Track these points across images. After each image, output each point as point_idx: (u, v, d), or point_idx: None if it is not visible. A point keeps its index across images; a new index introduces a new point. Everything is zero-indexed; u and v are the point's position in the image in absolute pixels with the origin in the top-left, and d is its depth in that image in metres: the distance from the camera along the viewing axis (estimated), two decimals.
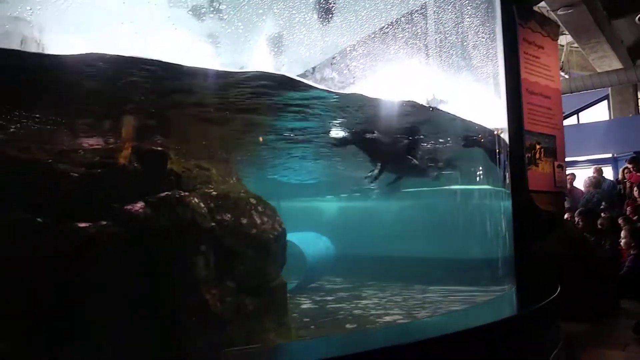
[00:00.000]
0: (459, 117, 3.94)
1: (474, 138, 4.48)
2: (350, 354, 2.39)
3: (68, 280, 2.98)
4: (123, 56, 2.73)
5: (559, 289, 3.85)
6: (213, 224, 3.58)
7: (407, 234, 7.49)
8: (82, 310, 3.01)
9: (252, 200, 3.94)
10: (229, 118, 3.78)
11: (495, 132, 4.94)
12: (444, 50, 3.69)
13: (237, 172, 4.69)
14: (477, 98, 4.28)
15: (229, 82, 3.23)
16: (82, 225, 3.06)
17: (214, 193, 3.74)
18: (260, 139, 4.42)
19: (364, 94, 3.28)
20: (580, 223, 7.94)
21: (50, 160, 3.09)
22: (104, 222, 3.11)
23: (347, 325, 4.45)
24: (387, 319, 4.59)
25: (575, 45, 15.49)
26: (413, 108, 3.65)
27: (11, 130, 3.23)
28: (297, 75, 3.25)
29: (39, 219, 2.99)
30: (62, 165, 3.10)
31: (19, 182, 3.04)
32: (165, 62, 2.86)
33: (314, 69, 3.18)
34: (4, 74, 2.67)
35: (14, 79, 2.78)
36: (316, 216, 8.75)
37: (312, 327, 4.32)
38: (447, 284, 6.15)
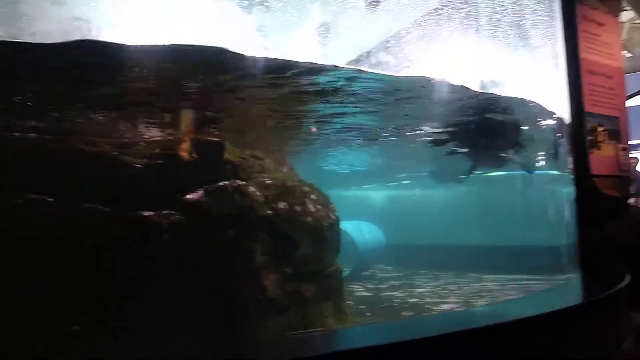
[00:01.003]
0: (525, 101, 3.81)
1: (536, 122, 4.31)
2: (410, 340, 2.36)
3: (134, 266, 3.12)
4: (182, 45, 2.78)
5: (627, 277, 3.67)
6: (269, 211, 3.64)
7: (461, 221, 7.35)
8: (147, 294, 3.14)
9: (306, 189, 3.98)
10: (281, 107, 3.81)
11: (556, 115, 4.75)
12: (501, 30, 3.56)
13: (289, 161, 4.73)
14: (536, 80, 4.12)
15: (281, 70, 3.24)
16: (146, 214, 3.19)
17: (269, 182, 3.80)
18: (313, 128, 4.43)
19: (426, 76, 3.21)
20: None
21: (115, 153, 3.23)
22: (166, 211, 3.23)
23: (403, 313, 4.43)
24: (444, 307, 4.54)
25: (638, 21, 14.57)
26: (482, 93, 3.56)
27: (78, 124, 3.38)
28: (350, 61, 3.22)
29: (106, 209, 3.14)
30: (126, 157, 3.23)
31: (87, 174, 3.19)
32: (219, 53, 2.89)
33: (368, 53, 3.15)
34: (76, 67, 2.79)
35: (84, 73, 2.90)
36: (367, 204, 8.73)
37: (368, 314, 4.33)
38: (504, 272, 5.99)
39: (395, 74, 3.17)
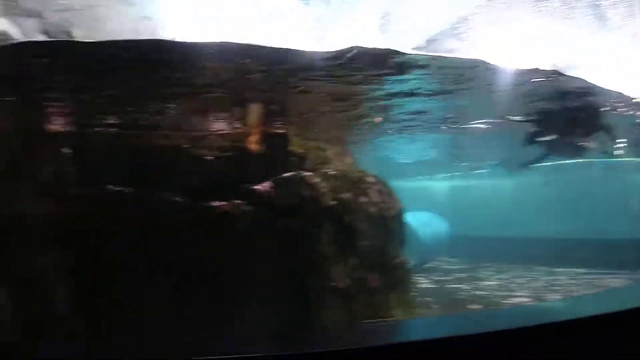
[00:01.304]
0: (603, 86, 3.59)
1: (615, 107, 4.04)
2: (480, 333, 2.29)
3: (206, 252, 3.26)
4: (243, 44, 2.84)
5: None
6: (333, 202, 3.67)
7: (529, 212, 7.07)
8: (216, 281, 3.28)
9: (370, 179, 3.97)
10: (344, 97, 3.81)
11: (636, 100, 4.43)
12: (577, 11, 3.35)
13: (352, 152, 4.74)
14: (615, 63, 3.85)
15: (340, 60, 3.23)
16: (217, 203, 3.32)
17: (333, 172, 3.83)
18: (377, 118, 4.39)
19: (485, 61, 3.10)
20: None
21: (187, 146, 3.38)
22: (236, 201, 3.35)
23: (470, 306, 4.33)
24: (513, 300, 4.39)
25: None
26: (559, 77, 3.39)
27: (155, 119, 3.56)
28: (415, 47, 3.12)
29: (179, 199, 3.30)
30: (198, 149, 3.37)
31: (162, 166, 3.36)
32: (282, 48, 2.92)
33: (434, 38, 3.05)
34: (150, 65, 2.93)
35: (159, 70, 3.05)
36: (431, 195, 8.58)
37: (435, 306, 4.28)
38: (577, 266, 5.70)
39: (463, 59, 3.07)
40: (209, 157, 3.31)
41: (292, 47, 3.02)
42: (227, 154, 3.39)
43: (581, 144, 4.36)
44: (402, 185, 5.17)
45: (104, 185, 3.25)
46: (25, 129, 3.18)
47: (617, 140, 4.75)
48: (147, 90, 3.36)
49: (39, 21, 2.56)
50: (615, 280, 4.45)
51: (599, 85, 3.75)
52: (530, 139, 4.37)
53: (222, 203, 3.26)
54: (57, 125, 3.30)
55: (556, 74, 3.39)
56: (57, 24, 2.61)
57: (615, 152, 4.70)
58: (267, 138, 3.54)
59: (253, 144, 3.44)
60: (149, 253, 3.13)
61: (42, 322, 3.03)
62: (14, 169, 3.00)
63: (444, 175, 9.05)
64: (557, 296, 4.60)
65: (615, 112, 4.24)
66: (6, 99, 3.13)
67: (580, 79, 3.55)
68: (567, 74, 3.52)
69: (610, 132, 4.02)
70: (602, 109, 3.94)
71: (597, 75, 3.68)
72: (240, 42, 2.94)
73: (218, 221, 3.25)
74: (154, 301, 3.17)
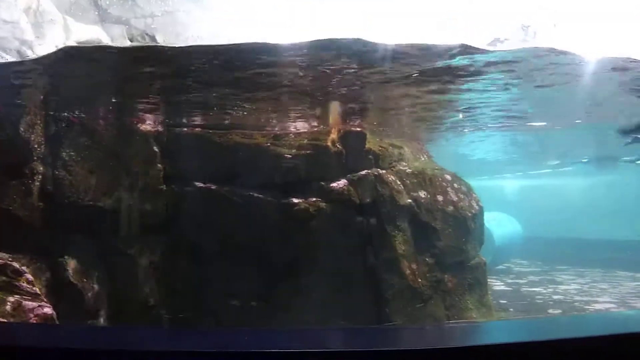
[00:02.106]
0: None
1: None
2: (566, 338, 2.19)
3: (286, 248, 3.35)
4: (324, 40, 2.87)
5: None
6: (409, 200, 3.66)
7: (608, 214, 6.70)
8: (296, 273, 3.36)
9: (447, 177, 3.92)
10: (421, 94, 3.76)
11: None
12: None
13: (427, 149, 4.69)
14: None
15: (418, 55, 3.18)
16: (296, 200, 3.40)
17: (409, 170, 3.81)
18: (461, 115, 4.29)
19: (579, 54, 2.95)
20: None
21: (268, 144, 3.48)
22: (314, 198, 3.41)
23: (550, 311, 4.17)
24: (597, 306, 4.18)
25: None
26: None
27: (236, 117, 3.68)
28: (493, 42, 3.02)
29: (260, 195, 3.41)
30: (278, 148, 3.46)
31: (245, 164, 3.48)
32: (360, 41, 2.91)
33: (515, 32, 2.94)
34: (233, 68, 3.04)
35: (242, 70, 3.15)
36: (504, 195, 8.31)
37: (511, 309, 4.15)
38: None
39: (544, 53, 2.94)
40: (288, 155, 3.39)
41: (368, 43, 3.01)
42: (305, 152, 3.46)
43: None
44: (479, 184, 5.05)
45: (190, 182, 3.42)
46: (121, 128, 3.40)
47: None
48: (230, 92, 3.49)
49: (126, 28, 2.73)
50: None
51: None
52: (623, 135, 4.09)
53: (300, 200, 3.33)
54: (148, 125, 3.49)
55: None
56: (142, 30, 2.78)
57: None
58: (344, 136, 3.57)
59: (330, 142, 3.48)
60: (232, 246, 3.26)
61: (131, 309, 3.24)
62: (110, 165, 3.22)
63: (522, 174, 8.70)
64: None
65: None
66: (103, 100, 3.37)
67: None
68: None
69: None
70: None
71: None
72: (318, 40, 2.98)
73: (296, 217, 3.33)
74: (234, 292, 3.31)
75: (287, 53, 3.06)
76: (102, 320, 3.08)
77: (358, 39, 2.98)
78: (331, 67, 3.32)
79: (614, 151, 6.49)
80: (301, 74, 3.35)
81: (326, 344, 2.08)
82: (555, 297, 4.52)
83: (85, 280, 2.95)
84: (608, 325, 3.13)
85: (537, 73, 3.34)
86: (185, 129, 3.59)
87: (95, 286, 2.99)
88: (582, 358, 2.15)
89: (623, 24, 3.14)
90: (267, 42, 2.96)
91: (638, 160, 6.64)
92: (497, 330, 2.99)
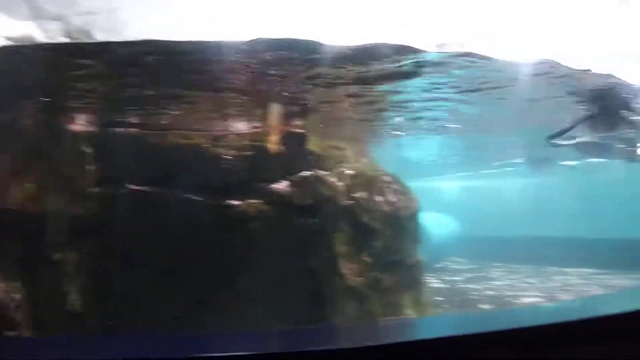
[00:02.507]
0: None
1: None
2: (495, 331, 2.29)
3: (224, 250, 3.30)
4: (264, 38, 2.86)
5: None
6: (350, 201, 3.71)
7: (540, 212, 7.08)
8: (232, 278, 3.32)
9: (387, 179, 4.00)
10: (363, 96, 3.83)
11: None
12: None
13: (369, 151, 4.77)
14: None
15: (363, 56, 3.23)
16: (235, 202, 3.36)
17: (350, 172, 3.86)
18: (397, 118, 4.41)
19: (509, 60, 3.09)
20: None
21: (207, 145, 3.42)
22: (254, 200, 3.39)
23: (481, 305, 4.36)
24: (525, 300, 4.42)
25: None
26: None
27: (174, 118, 3.61)
28: (437, 45, 3.11)
29: (199, 198, 3.34)
30: (218, 149, 3.41)
31: (182, 166, 3.41)
32: (301, 40, 2.92)
33: (457, 37, 3.03)
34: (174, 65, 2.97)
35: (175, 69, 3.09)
36: (442, 195, 8.59)
37: (447, 305, 4.31)
38: (591, 267, 5.71)
39: (485, 58, 3.07)
40: (227, 157, 3.35)
41: (312, 43, 3.01)
42: (245, 153, 3.43)
43: (607, 142, 4.32)
44: (418, 185, 5.19)
45: (123, 184, 3.30)
46: (49, 128, 3.24)
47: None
48: (168, 91, 3.40)
49: (62, 24, 2.61)
50: (628, 281, 4.45)
51: (627, 82, 3.72)
52: (557, 137, 4.33)
53: (240, 202, 3.30)
54: (79, 125, 3.35)
55: (581, 70, 3.37)
56: (79, 27, 2.66)
57: (637, 154, 4.68)
58: (285, 137, 3.57)
59: (271, 143, 3.47)
60: (167, 250, 3.17)
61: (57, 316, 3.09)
62: (38, 167, 3.06)
63: (459, 175, 9.04)
64: (569, 296, 4.62)
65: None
66: (31, 99, 3.19)
67: (608, 74, 3.52)
68: (595, 70, 3.50)
69: (635, 128, 3.99)
70: (629, 106, 3.90)
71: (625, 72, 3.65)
72: (259, 39, 2.95)
73: (235, 219, 3.29)
74: (170, 297, 3.23)
75: (227, 52, 3.02)
76: (25, 331, 2.91)
77: (299, 39, 2.99)
78: (272, 67, 3.31)
79: (547, 153, 6.87)
80: (241, 73, 3.32)
81: (264, 346, 2.07)
82: (488, 292, 4.73)
83: (7, 289, 2.78)
84: (535, 316, 3.30)
85: (472, 78, 3.48)
86: (120, 129, 3.48)
87: (18, 295, 2.82)
88: (507, 348, 2.25)
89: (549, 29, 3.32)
90: (206, 40, 2.91)
91: (574, 162, 7.10)
92: (429, 326, 3.08)
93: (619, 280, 4.59)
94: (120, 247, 3.26)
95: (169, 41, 2.79)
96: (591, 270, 5.66)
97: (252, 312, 3.26)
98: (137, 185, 3.33)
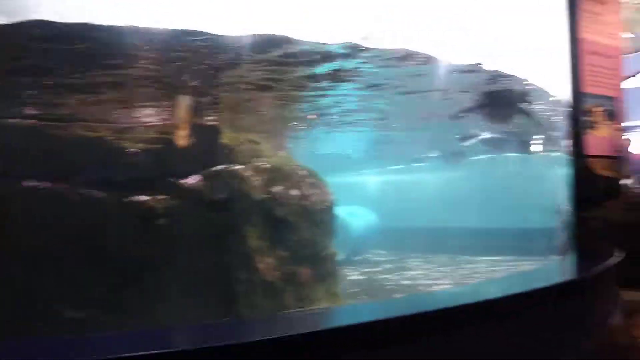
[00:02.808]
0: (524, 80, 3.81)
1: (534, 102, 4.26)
2: (400, 316, 2.35)
3: (131, 249, 3.17)
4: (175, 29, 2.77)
5: (617, 255, 3.73)
6: (265, 195, 3.68)
7: (456, 204, 7.40)
8: (142, 276, 3.20)
9: (302, 173, 4.01)
10: (279, 90, 3.81)
11: (554, 95, 4.74)
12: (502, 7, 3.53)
13: (286, 145, 4.76)
14: (535, 59, 4.11)
15: (277, 49, 3.21)
16: (142, 198, 3.23)
17: (266, 166, 3.83)
18: (313, 114, 4.43)
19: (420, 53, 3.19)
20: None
21: (112, 138, 3.25)
22: (163, 195, 3.27)
23: (396, 295, 4.50)
24: (436, 288, 4.61)
25: (638, 2, 14.46)
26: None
27: (77, 108, 3.40)
28: (350, 42, 3.15)
29: (103, 193, 3.18)
30: (123, 142, 3.26)
31: (83, 160, 3.22)
32: (212, 34, 2.85)
33: (367, 33, 3.08)
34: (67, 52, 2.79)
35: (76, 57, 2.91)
36: (360, 189, 8.75)
37: (363, 296, 4.40)
38: (498, 254, 6.06)
39: (396, 53, 3.15)
40: (134, 150, 3.20)
41: (223, 37, 2.95)
42: (154, 146, 3.30)
43: (508, 138, 4.58)
44: (335, 180, 5.26)
45: (20, 180, 3.08)
46: None
47: (537, 136, 5.07)
48: (69, 79, 3.20)
49: None
50: (532, 266, 4.75)
51: (523, 79, 3.96)
52: (464, 133, 4.55)
53: (148, 197, 3.17)
54: None
55: (484, 69, 3.55)
56: None
57: (535, 147, 5.02)
58: (197, 130, 3.47)
59: (182, 136, 3.37)
60: (68, 250, 2.99)
61: None
62: None
63: (377, 169, 9.26)
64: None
65: (535, 106, 4.50)
66: None
67: (506, 73, 3.73)
68: (494, 67, 3.70)
69: (532, 120, 4.26)
70: (521, 99, 4.16)
71: (520, 71, 3.88)
72: (169, 28, 2.85)
73: (143, 215, 3.16)
74: (75, 298, 3.06)
75: (135, 38, 2.88)
76: None
77: (209, 30, 2.91)
78: (182, 58, 3.21)
79: (459, 148, 7.20)
80: (149, 62, 3.19)
81: (173, 343, 2.00)
82: (403, 282, 4.88)
83: None
84: (440, 301, 3.41)
85: (379, 73, 3.56)
86: (14, 120, 3.22)
87: None
88: (415, 333, 2.31)
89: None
90: (113, 24, 2.75)
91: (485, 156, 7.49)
92: (341, 315, 3.13)
93: (526, 266, 4.89)
94: (14, 247, 3.03)
95: (71, 23, 2.61)
96: (500, 258, 5.99)
97: (160, 312, 3.15)
98: (36, 180, 3.11)
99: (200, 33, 2.85)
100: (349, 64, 3.38)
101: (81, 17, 2.60)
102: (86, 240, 3.02)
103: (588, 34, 5.68)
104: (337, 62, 3.34)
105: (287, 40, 3.09)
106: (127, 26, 2.71)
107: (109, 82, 3.26)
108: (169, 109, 3.66)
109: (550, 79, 4.53)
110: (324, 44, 3.16)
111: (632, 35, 15.57)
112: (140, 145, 3.29)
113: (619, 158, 6.18)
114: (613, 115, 5.95)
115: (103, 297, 3.07)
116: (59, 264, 3.00)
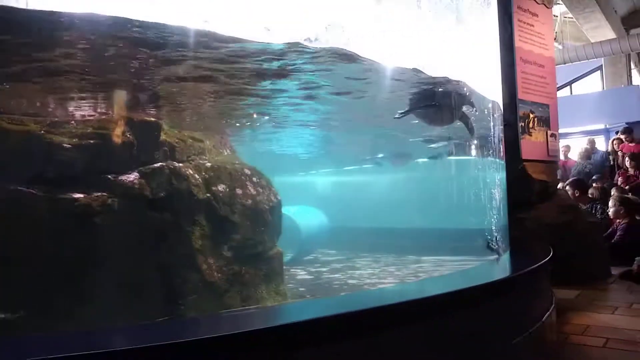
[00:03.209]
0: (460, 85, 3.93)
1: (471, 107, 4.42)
2: (341, 313, 2.36)
3: (65, 249, 3.00)
4: (114, 16, 2.65)
5: (550, 254, 3.92)
6: (208, 194, 3.60)
7: (401, 206, 7.55)
8: (77, 279, 3.04)
9: (247, 172, 3.95)
10: (224, 86, 3.73)
11: (489, 101, 4.93)
12: (438, 13, 3.64)
13: (231, 144, 4.67)
14: (471, 65, 4.26)
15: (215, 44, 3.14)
16: (76, 195, 3.06)
17: (208, 164, 3.74)
18: (258, 112, 4.38)
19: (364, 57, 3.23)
20: (570, 192, 8.05)
21: (42, 132, 3.07)
22: (99, 193, 3.12)
23: (342, 293, 4.52)
24: (381, 286, 4.67)
25: (569, 15, 15.38)
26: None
27: (2, 102, 3.19)
28: (295, 41, 3.13)
29: (33, 191, 2.99)
30: (55, 136, 3.08)
31: (13, 154, 3.02)
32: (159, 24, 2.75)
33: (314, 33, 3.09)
34: None
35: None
36: (309, 189, 8.78)
37: (308, 296, 4.39)
38: (441, 254, 6.23)
39: (342, 54, 3.16)
40: (67, 145, 3.04)
41: (168, 27, 2.85)
42: (89, 141, 3.14)
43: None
44: (282, 179, 5.23)
45: None
46: None
47: (475, 140, 5.25)
48: None
49: None
50: (470, 264, 4.88)
51: (458, 85, 4.10)
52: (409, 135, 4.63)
53: (82, 195, 3.02)
54: None
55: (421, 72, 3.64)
56: None
57: (470, 150, 5.19)
58: (136, 126, 3.34)
59: (119, 131, 3.23)
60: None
61: None
62: None
63: (326, 170, 9.33)
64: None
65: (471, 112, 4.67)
66: None
67: (444, 78, 3.84)
68: (433, 73, 3.80)
69: (468, 126, 4.40)
70: (468, 106, 4.29)
71: (455, 75, 4.02)
72: (108, 15, 2.72)
73: (77, 214, 3.00)
74: (3, 299, 2.86)
75: (70, 24, 2.72)
76: None
77: (153, 20, 2.80)
78: (121, 49, 3.07)
79: (407, 150, 7.36)
80: (84, 53, 3.04)
81: (110, 343, 1.92)
82: (350, 281, 4.91)
83: None
84: (382, 298, 3.45)
85: (332, 75, 3.56)
86: None
87: None
88: (353, 330, 2.30)
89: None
90: (43, 9, 2.58)
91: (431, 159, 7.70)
92: (284, 312, 3.10)
93: (467, 265, 5.03)
94: None
95: None
96: (445, 258, 6.14)
97: (96, 313, 3.01)
98: None
99: (142, 23, 2.73)
100: (295, 63, 3.36)
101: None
102: (14, 240, 2.83)
103: (522, 43, 5.99)
104: (283, 61, 3.31)
105: (232, 36, 3.02)
106: (58, 11, 2.56)
107: (38, 71, 3.08)
108: (106, 103, 3.50)
109: (486, 85, 4.71)
110: (269, 42, 3.12)
111: (560, 47, 16.52)
112: (75, 140, 3.12)
113: (553, 162, 6.54)
114: (547, 122, 6.29)
115: (34, 299, 2.89)
116: None
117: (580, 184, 8.37)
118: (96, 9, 2.57)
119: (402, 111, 4.22)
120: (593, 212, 7.95)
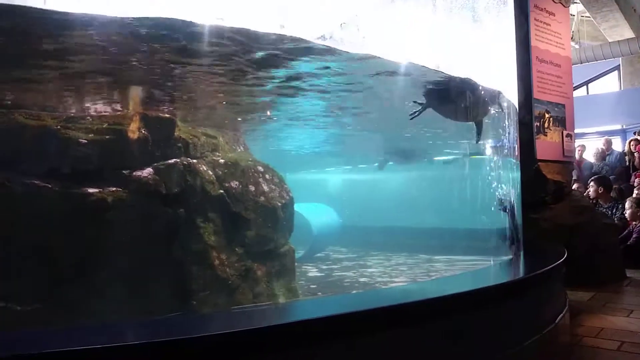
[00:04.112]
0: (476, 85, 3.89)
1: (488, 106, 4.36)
2: (356, 311, 2.36)
3: (79, 243, 3.03)
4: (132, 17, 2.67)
5: (564, 255, 3.87)
6: (221, 190, 3.61)
7: (414, 205, 7.52)
8: (92, 273, 3.07)
9: (260, 169, 3.96)
10: (238, 83, 3.74)
11: (505, 100, 4.87)
12: (454, 12, 3.62)
13: (244, 140, 4.69)
14: (487, 65, 4.22)
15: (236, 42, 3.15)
16: (91, 190, 3.10)
17: (222, 161, 3.76)
18: (269, 111, 4.38)
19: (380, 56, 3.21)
20: (592, 190, 7.95)
21: (58, 127, 3.11)
22: (113, 188, 3.15)
23: (354, 291, 4.51)
24: (393, 285, 4.66)
25: (587, 14, 15.17)
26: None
27: (17, 95, 3.23)
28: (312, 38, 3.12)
29: (49, 185, 3.02)
30: (72, 132, 3.11)
31: (29, 148, 3.06)
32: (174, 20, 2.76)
33: (326, 32, 3.08)
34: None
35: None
36: (323, 187, 8.78)
37: (319, 293, 4.39)
38: (454, 253, 6.20)
39: (352, 54, 3.16)
40: (83, 140, 3.07)
41: (183, 23, 2.86)
42: (104, 137, 3.17)
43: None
44: (296, 177, 5.24)
45: None
46: None
47: (489, 138, 5.20)
48: (10, 63, 3.03)
49: None
50: (484, 264, 4.85)
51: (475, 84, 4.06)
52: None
53: (96, 189, 3.05)
54: None
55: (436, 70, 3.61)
56: None
57: (487, 149, 5.15)
58: (151, 122, 3.36)
59: (134, 127, 3.25)
60: (8, 243, 2.83)
61: None
62: None
63: (338, 168, 9.32)
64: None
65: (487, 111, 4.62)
66: None
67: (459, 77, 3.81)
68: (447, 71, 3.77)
69: (479, 132, 4.37)
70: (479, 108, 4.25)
71: (472, 75, 3.99)
72: (123, 14, 2.75)
73: (91, 208, 3.03)
74: (10, 294, 2.90)
75: (86, 25, 2.75)
76: None
77: (167, 17, 2.82)
78: (137, 46, 3.10)
79: (411, 149, 7.32)
80: (100, 50, 3.06)
81: (122, 338, 1.94)
82: (361, 279, 4.91)
83: None
84: (396, 297, 3.45)
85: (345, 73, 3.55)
86: None
87: None
88: (359, 329, 2.30)
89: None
90: (63, 10, 2.62)
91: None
92: (295, 309, 3.11)
93: (480, 265, 4.99)
94: None
95: (14, 6, 2.47)
96: (457, 257, 6.11)
97: (109, 308, 3.04)
98: None
99: (158, 20, 2.75)
100: (309, 63, 3.36)
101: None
102: (28, 232, 2.87)
103: (538, 42, 5.91)
104: (298, 61, 3.31)
105: (247, 35, 3.02)
106: (78, 13, 2.59)
107: (56, 68, 3.11)
108: (122, 100, 3.53)
109: (502, 84, 4.67)
110: (283, 41, 3.12)
111: (577, 46, 16.29)
112: (90, 135, 3.15)
113: (568, 163, 6.46)
114: (562, 122, 6.21)
115: (48, 292, 2.93)
116: None
117: (605, 182, 8.23)
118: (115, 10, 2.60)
119: (415, 111, 4.19)
120: (614, 211, 7.84)
